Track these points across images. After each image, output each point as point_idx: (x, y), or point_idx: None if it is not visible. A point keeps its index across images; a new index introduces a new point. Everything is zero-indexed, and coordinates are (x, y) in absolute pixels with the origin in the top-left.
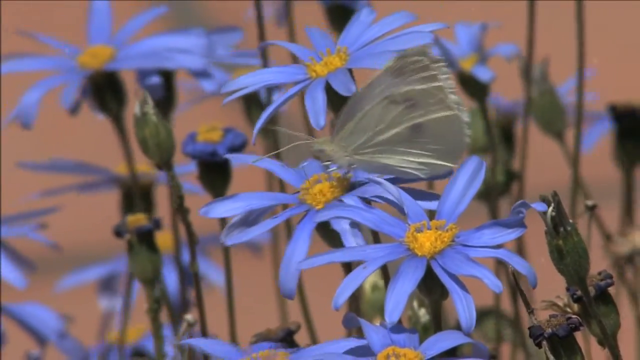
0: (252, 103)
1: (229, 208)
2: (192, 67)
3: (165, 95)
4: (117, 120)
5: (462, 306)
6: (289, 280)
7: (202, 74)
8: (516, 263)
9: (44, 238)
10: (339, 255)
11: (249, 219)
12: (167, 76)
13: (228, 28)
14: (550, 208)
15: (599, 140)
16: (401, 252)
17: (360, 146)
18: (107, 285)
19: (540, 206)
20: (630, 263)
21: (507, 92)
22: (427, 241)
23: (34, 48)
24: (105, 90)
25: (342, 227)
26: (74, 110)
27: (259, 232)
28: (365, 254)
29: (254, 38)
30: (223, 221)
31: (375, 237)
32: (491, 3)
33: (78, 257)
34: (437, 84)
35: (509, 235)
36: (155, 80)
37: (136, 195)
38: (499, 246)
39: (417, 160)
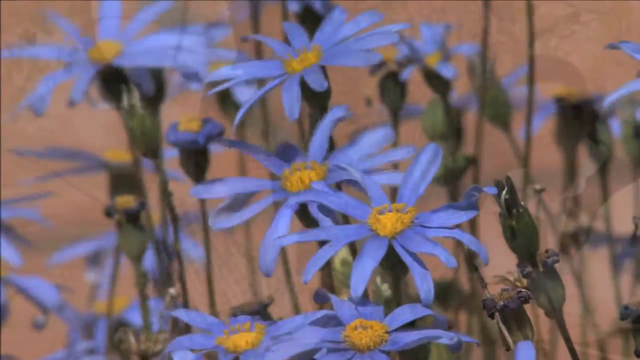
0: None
1: (218, 190)
2: (192, 65)
3: (156, 88)
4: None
5: (421, 281)
6: (268, 259)
7: (192, 72)
8: (469, 241)
9: (40, 217)
10: (309, 235)
11: (235, 204)
12: (157, 70)
13: (215, 24)
14: (504, 191)
15: (541, 126)
16: (365, 233)
17: None
18: (94, 259)
19: (491, 190)
20: (576, 242)
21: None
22: (388, 222)
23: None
24: (113, 82)
25: (319, 216)
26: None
27: (244, 218)
28: (331, 233)
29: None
30: (202, 203)
31: (345, 218)
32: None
33: (68, 235)
34: None
35: (462, 217)
36: (145, 73)
37: (133, 181)
38: (454, 227)
39: None
